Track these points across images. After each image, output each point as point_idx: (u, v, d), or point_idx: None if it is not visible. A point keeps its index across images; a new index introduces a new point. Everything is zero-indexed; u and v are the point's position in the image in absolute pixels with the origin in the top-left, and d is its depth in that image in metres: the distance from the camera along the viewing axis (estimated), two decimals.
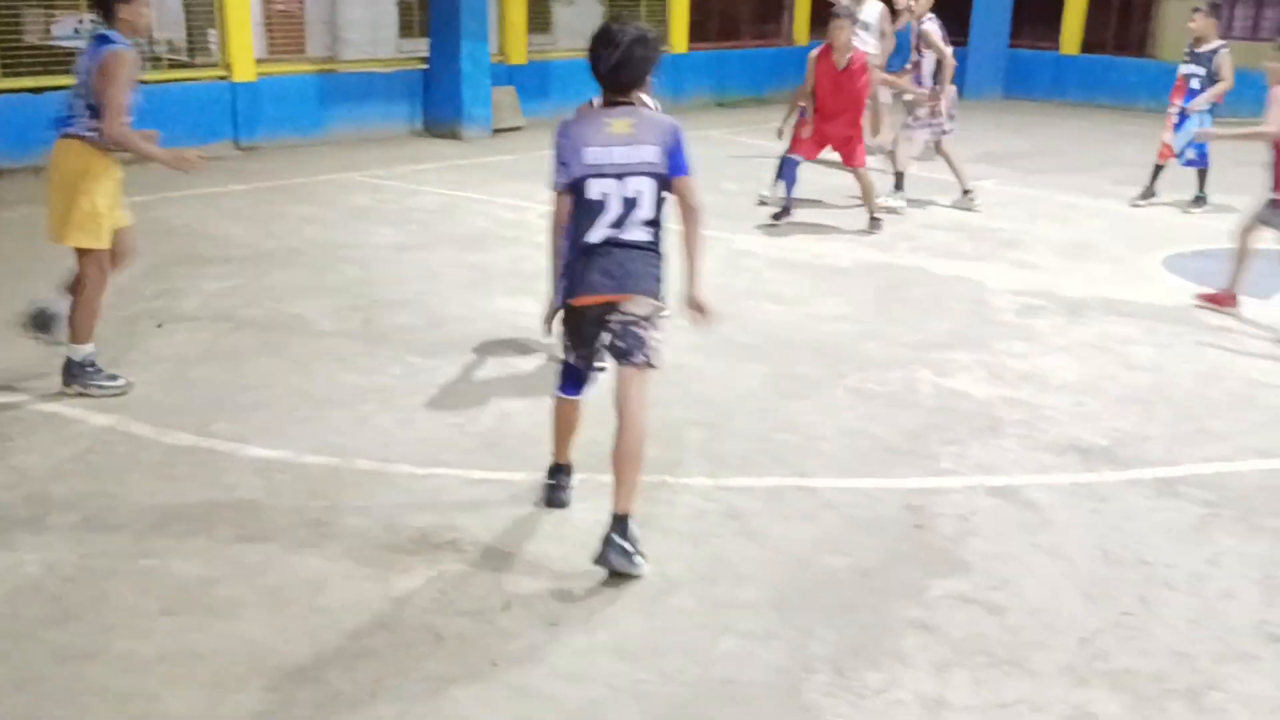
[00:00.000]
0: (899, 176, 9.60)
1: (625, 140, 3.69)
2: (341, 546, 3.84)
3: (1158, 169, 9.96)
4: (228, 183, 9.77)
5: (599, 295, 3.72)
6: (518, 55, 13.67)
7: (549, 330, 4.00)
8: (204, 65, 11.36)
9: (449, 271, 7.34)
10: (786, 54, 17.09)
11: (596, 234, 3.71)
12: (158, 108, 10.54)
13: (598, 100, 3.89)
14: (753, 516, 4.17)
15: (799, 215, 8.98)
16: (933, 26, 9.34)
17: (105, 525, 3.96)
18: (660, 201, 3.76)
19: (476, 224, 8.69)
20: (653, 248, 3.78)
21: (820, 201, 9.58)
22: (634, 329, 3.74)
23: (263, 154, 11.12)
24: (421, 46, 12.82)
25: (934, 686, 3.20)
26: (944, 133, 9.48)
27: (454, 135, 12.46)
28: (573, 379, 4.01)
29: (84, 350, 5.09)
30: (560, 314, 3.89)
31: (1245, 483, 4.57)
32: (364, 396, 5.18)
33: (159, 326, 6.11)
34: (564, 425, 4.12)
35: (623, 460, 3.71)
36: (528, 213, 9.04)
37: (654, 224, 3.77)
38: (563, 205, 3.78)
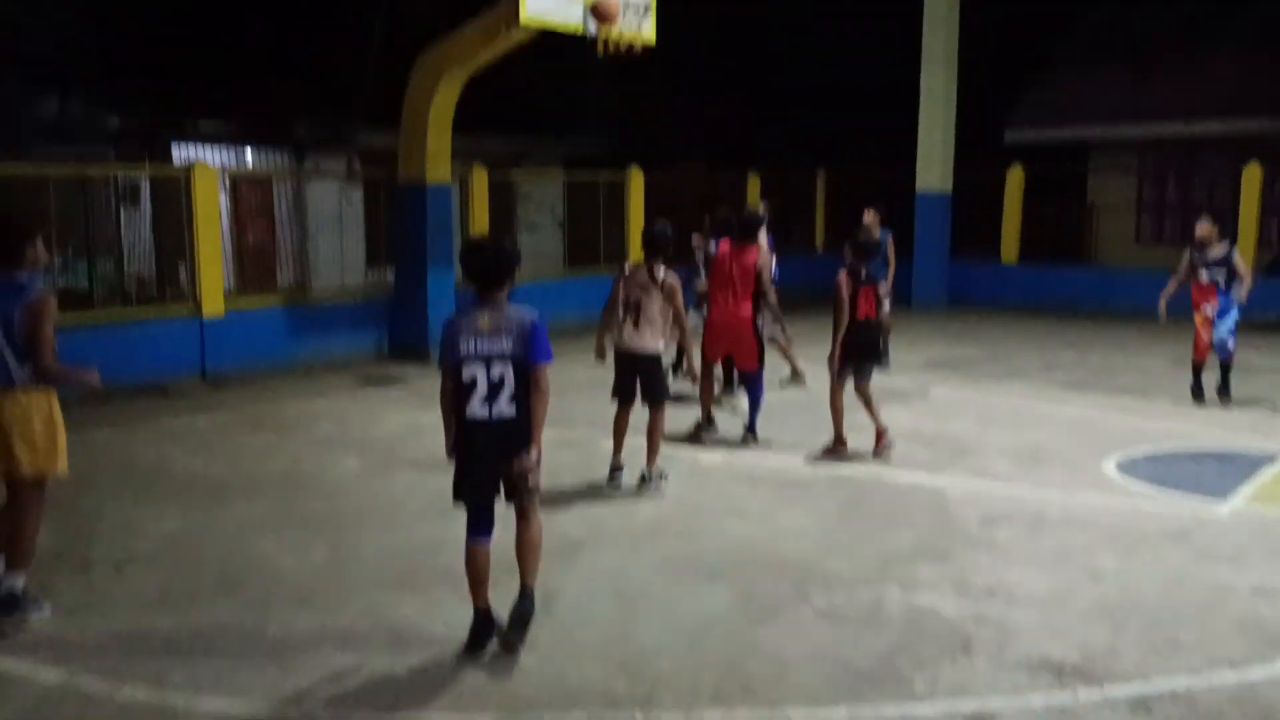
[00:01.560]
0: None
1: (488, 333, 4.73)
2: None
3: (1198, 367, 10.40)
4: (193, 414, 9.83)
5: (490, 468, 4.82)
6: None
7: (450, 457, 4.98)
8: (173, 300, 11.61)
9: (413, 499, 7.33)
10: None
11: (472, 409, 4.77)
12: (125, 343, 10.85)
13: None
14: None
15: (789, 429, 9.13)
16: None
17: None
18: (522, 382, 4.74)
19: (440, 445, 8.71)
20: (518, 421, 4.77)
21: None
22: (523, 488, 4.85)
23: (229, 385, 11.22)
24: (388, 275, 13.21)
25: None
26: None
27: (420, 358, 12.68)
28: (478, 526, 4.93)
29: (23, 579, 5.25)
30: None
31: (1218, 697, 4.54)
32: (322, 638, 5.08)
33: (117, 570, 6.01)
34: (476, 573, 4.92)
35: (525, 550, 4.98)
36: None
37: (517, 399, 4.75)
38: (445, 381, 4.85)
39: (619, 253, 16.11)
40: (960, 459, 8.44)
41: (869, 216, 11.93)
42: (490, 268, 4.80)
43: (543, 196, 16.71)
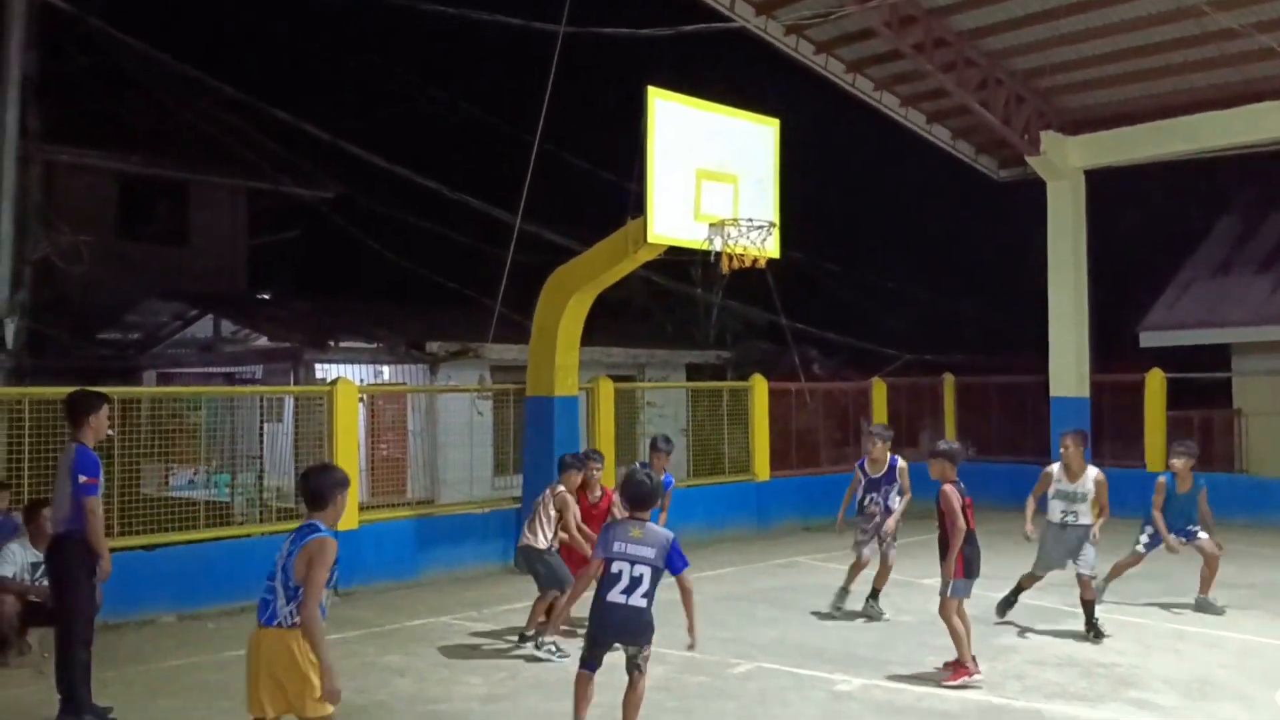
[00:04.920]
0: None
1: (637, 540, 6.29)
2: None
3: None
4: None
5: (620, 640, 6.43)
6: (608, 483, 14.07)
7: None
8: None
9: None
10: None
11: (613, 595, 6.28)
12: (262, 557, 11.03)
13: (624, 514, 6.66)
14: None
15: (901, 650, 8.70)
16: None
17: None
18: (655, 585, 6.27)
19: (569, 672, 8.51)
20: (645, 612, 6.27)
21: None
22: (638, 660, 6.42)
23: (360, 599, 11.26)
24: (515, 484, 13.31)
25: None
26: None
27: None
28: (589, 664, 6.49)
29: None
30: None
31: None
32: None
33: None
34: (581, 694, 6.49)
35: (630, 706, 6.47)
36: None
37: (647, 596, 6.24)
38: (594, 567, 6.48)
39: (744, 461, 16.01)
40: (1121, 689, 7.85)
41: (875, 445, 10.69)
42: (644, 496, 6.47)
43: (666, 405, 16.84)
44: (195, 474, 12.92)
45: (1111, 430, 18.10)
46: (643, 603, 6.24)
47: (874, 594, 10.17)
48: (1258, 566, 12.71)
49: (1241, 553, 13.65)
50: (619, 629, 6.31)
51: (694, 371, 21.24)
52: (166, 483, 12.62)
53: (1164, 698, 7.65)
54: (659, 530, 6.40)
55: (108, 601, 7.78)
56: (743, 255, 11.62)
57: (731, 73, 18.29)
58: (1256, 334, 18.34)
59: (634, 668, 6.42)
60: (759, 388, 16.38)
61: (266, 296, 21.94)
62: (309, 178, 21.08)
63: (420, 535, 12.33)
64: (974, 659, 7.95)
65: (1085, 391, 17.69)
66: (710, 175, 11.53)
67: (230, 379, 17.47)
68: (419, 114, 25.78)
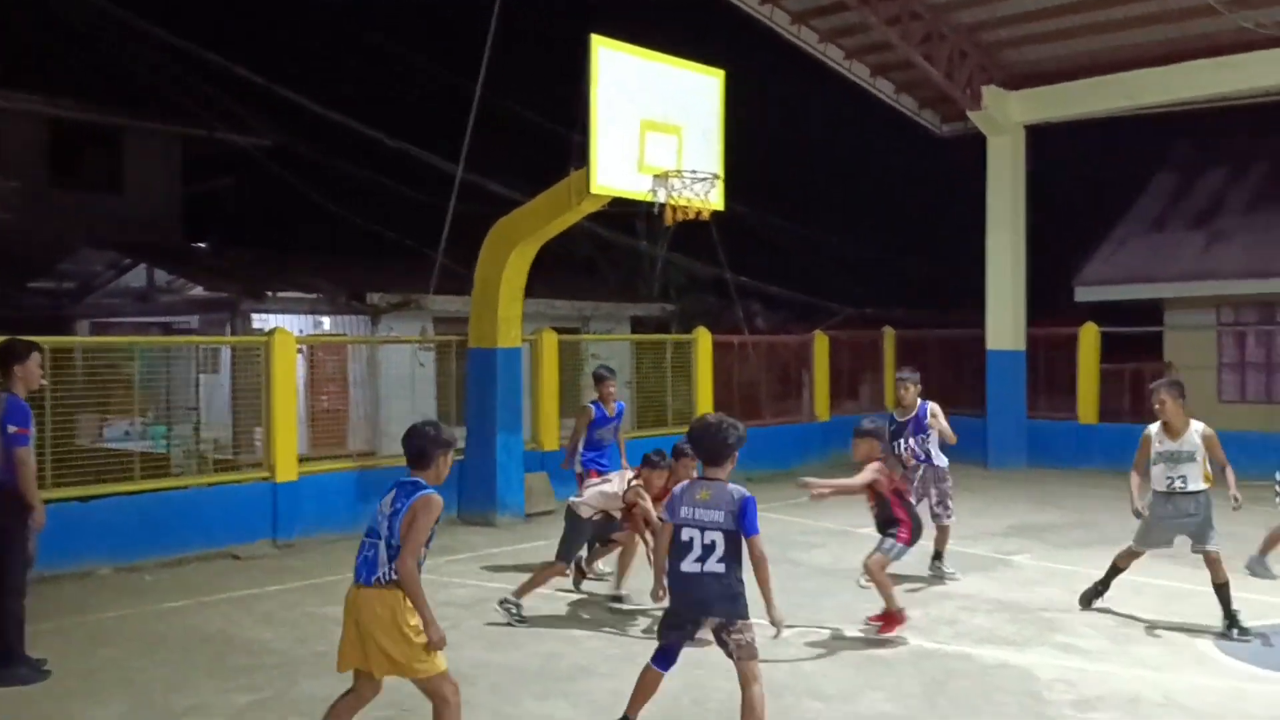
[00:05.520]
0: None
1: (706, 504, 5.56)
2: None
3: None
4: (264, 584, 9.82)
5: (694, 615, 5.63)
6: (550, 442, 14.12)
7: (657, 598, 6.06)
8: (248, 466, 11.77)
9: (478, 674, 7.14)
10: (808, 429, 17.75)
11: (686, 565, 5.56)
12: (199, 508, 10.98)
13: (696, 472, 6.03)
14: None
15: (839, 594, 8.90)
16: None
17: None
18: (730, 549, 5.49)
19: (513, 629, 8.55)
20: (725, 578, 5.49)
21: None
22: (729, 641, 5.53)
23: (300, 551, 11.23)
24: (458, 436, 13.27)
25: None
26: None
27: (487, 523, 12.63)
28: (662, 656, 5.74)
29: None
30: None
31: None
32: None
33: None
34: (643, 689, 5.76)
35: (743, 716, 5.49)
36: (558, 602, 8.97)
37: (724, 562, 5.48)
38: (665, 533, 5.77)
39: (687, 414, 16.11)
40: (1049, 634, 8.08)
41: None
42: (716, 447, 5.73)
43: (610, 357, 16.87)
44: (131, 425, 12.73)
45: (1046, 383, 18.46)
46: (720, 568, 5.48)
47: (937, 555, 9.85)
48: None
49: None
50: (697, 601, 5.56)
51: (639, 324, 21.29)
52: (101, 434, 12.43)
53: (1089, 642, 7.89)
54: (729, 490, 5.60)
55: (44, 553, 7.67)
56: (686, 207, 11.64)
57: (678, 26, 18.15)
58: (1187, 289, 18.77)
59: (729, 653, 5.53)
60: (703, 340, 16.46)
61: (203, 245, 21.55)
62: (246, 125, 20.66)
63: (362, 487, 12.26)
64: (902, 609, 8.07)
65: (1021, 345, 18.02)
66: (654, 126, 11.50)
67: (166, 329, 17.18)
68: (360, 62, 25.35)
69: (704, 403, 16.25)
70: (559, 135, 15.45)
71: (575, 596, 9.26)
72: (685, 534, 5.55)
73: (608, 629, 8.26)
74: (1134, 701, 6.57)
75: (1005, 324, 17.95)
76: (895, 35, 16.43)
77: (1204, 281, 18.48)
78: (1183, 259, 19.07)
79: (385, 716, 6.15)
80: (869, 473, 8.02)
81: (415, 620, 5.12)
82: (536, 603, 9.02)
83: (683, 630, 5.68)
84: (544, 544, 11.51)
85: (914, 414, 9.91)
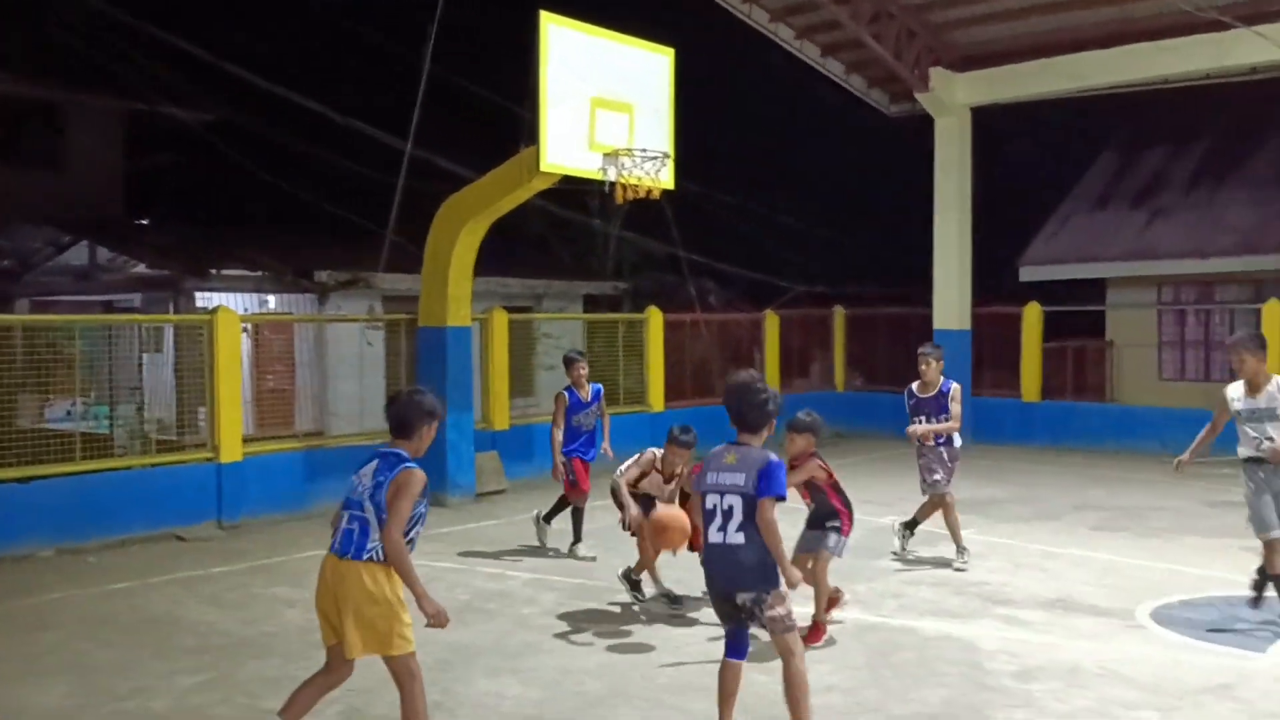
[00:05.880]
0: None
1: (729, 468, 5.30)
2: None
3: None
4: (209, 565, 9.73)
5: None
6: (501, 421, 14.10)
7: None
8: (192, 446, 11.63)
9: (425, 651, 7.11)
10: None
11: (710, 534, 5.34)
12: (143, 488, 10.84)
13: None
14: None
15: None
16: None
17: None
18: (751, 515, 5.20)
19: (456, 598, 8.56)
20: (746, 549, 5.23)
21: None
22: (757, 615, 5.31)
23: (246, 532, 11.13)
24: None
25: None
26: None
27: (438, 503, 12.56)
28: (731, 645, 5.49)
29: None
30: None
31: None
32: None
33: None
34: (725, 688, 5.44)
35: (785, 690, 5.37)
36: (510, 581, 8.99)
37: (744, 530, 5.21)
38: (695, 503, 5.63)
39: (639, 393, 16.15)
40: (990, 606, 8.23)
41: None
42: (745, 411, 5.44)
43: (562, 336, 16.85)
44: (73, 405, 12.53)
45: (991, 361, 18.72)
46: (739, 538, 5.24)
47: (911, 524, 9.78)
48: (1124, 490, 13.38)
49: (1110, 477, 14.37)
50: (720, 575, 5.37)
51: (591, 303, 21.24)
52: (42, 415, 12.21)
53: (1030, 614, 8.05)
54: (756, 453, 5.32)
55: None
56: (637, 186, 11.62)
57: (628, 2, 18.09)
58: (1128, 269, 19.11)
59: (763, 626, 5.36)
60: (654, 319, 16.48)
61: (145, 222, 21.18)
62: (190, 100, 20.29)
63: (309, 467, 12.19)
64: (837, 588, 7.93)
65: (967, 324, 18.24)
66: (605, 104, 11.46)
67: (108, 308, 16.89)
68: (307, 36, 24.96)
69: (656, 382, 16.30)
70: (510, 111, 15.39)
71: (528, 576, 9.28)
72: (709, 501, 5.35)
73: (559, 608, 8.29)
74: (1074, 672, 6.71)
75: (951, 304, 18.15)
76: (845, 14, 16.50)
77: (1144, 261, 18.84)
78: (1124, 239, 19.42)
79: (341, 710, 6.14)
80: (813, 469, 7.42)
81: (403, 593, 4.99)
82: (484, 583, 9.04)
83: (729, 616, 5.43)
84: (493, 524, 11.53)
85: (936, 391, 9.37)
